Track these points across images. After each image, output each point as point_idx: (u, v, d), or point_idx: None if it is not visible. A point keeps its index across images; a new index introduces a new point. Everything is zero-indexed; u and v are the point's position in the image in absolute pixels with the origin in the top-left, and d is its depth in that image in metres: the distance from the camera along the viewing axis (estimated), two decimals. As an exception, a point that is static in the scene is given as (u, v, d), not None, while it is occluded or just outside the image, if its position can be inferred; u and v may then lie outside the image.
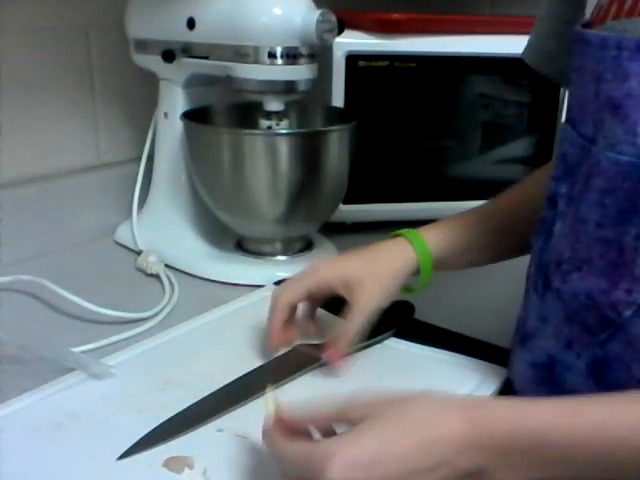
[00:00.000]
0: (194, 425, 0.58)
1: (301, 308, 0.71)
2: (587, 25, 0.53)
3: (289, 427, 0.48)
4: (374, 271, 0.67)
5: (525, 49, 0.71)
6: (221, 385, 0.64)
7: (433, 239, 0.69)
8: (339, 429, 0.48)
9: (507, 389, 0.65)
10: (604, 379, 0.51)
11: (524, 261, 0.75)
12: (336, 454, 0.42)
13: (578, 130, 0.52)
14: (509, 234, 0.71)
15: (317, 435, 0.49)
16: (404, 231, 0.71)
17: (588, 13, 0.56)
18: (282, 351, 0.69)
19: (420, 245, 0.68)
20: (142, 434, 0.57)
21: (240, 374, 0.66)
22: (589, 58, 0.50)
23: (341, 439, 0.44)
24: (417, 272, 0.69)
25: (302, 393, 0.64)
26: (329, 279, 0.67)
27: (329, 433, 0.48)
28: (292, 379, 0.66)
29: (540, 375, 0.57)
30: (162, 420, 0.58)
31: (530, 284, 0.60)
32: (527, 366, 0.58)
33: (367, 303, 0.66)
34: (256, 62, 0.81)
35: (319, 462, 0.42)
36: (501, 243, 0.72)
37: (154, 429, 0.57)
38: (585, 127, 0.51)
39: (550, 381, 0.55)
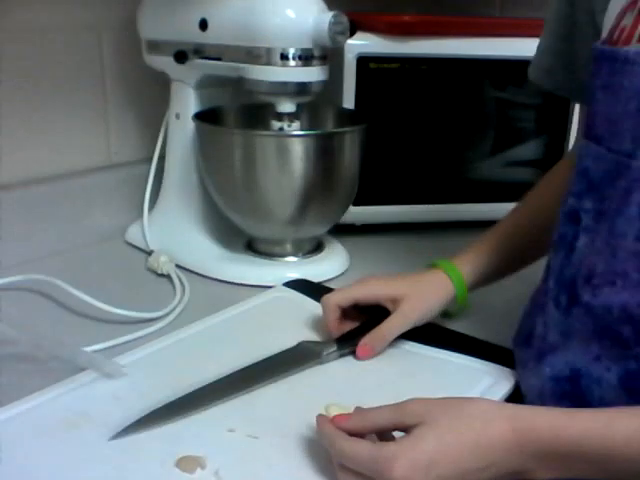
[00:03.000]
0: (195, 408, 0.60)
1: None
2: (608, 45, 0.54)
3: (347, 431, 0.52)
4: (420, 290, 0.74)
5: (529, 66, 0.75)
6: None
7: (466, 270, 0.75)
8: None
9: (519, 394, 0.65)
10: (638, 392, 0.51)
11: (534, 264, 0.75)
12: (399, 457, 0.47)
13: (607, 146, 0.53)
14: (525, 250, 0.77)
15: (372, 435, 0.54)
16: (441, 263, 0.76)
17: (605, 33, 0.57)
18: (287, 346, 0.71)
19: (457, 278, 0.75)
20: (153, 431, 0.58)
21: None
22: (630, 76, 0.50)
23: (403, 444, 0.49)
24: (454, 300, 0.75)
25: (304, 386, 0.66)
26: (378, 293, 0.74)
27: (385, 435, 0.53)
28: (294, 372, 0.67)
29: (562, 389, 0.57)
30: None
31: (549, 299, 0.60)
32: (546, 380, 0.58)
33: (410, 313, 0.72)
34: (268, 64, 0.81)
35: (384, 463, 0.48)
36: (519, 258, 0.78)
37: (154, 410, 0.59)
38: (619, 143, 0.52)
39: (574, 394, 0.56)
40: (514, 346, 0.68)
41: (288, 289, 0.86)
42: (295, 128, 0.88)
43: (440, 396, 0.53)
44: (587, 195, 0.56)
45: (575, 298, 0.56)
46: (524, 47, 1.03)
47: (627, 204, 0.51)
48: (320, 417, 0.54)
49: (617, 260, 0.52)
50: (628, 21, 0.53)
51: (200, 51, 0.88)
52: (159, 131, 1.00)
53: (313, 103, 0.90)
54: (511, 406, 0.52)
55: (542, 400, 0.59)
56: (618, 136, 0.52)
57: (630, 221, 0.51)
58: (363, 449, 0.50)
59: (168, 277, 0.90)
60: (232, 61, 0.84)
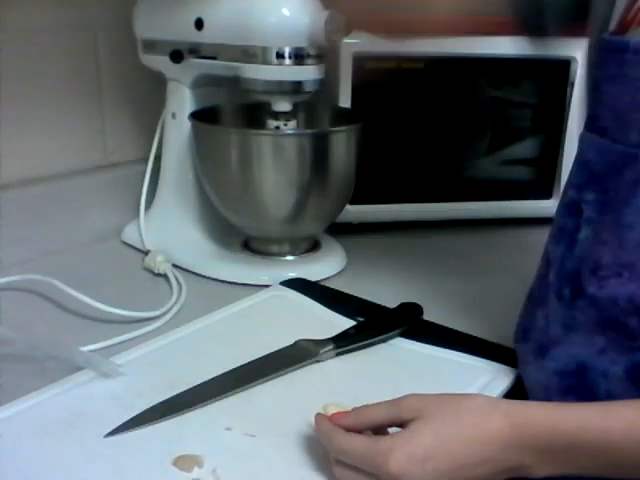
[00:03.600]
0: (192, 406, 0.60)
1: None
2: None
3: (345, 428, 0.52)
4: None
5: None
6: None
7: None
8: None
9: (516, 391, 0.65)
10: None
11: (531, 262, 0.75)
12: (395, 450, 0.48)
13: (613, 138, 0.53)
14: None
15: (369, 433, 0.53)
16: None
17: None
18: (284, 345, 0.71)
19: None
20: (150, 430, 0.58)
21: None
22: (637, 67, 0.50)
23: (399, 437, 0.50)
24: None
25: (301, 384, 0.66)
26: None
27: (381, 431, 0.53)
28: (291, 371, 0.67)
29: (567, 383, 0.57)
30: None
31: (551, 292, 0.59)
32: (551, 375, 0.58)
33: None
34: (264, 62, 0.81)
35: (380, 456, 0.48)
36: None
37: (151, 407, 0.60)
38: (626, 135, 0.52)
39: (580, 388, 0.55)
40: (515, 342, 0.68)
41: (285, 288, 0.86)
42: (291, 127, 0.88)
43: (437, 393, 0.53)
44: (588, 187, 0.55)
45: (579, 290, 0.55)
46: (521, 46, 1.04)
47: (635, 195, 0.51)
48: (318, 415, 0.54)
49: (624, 251, 0.52)
50: None
51: (196, 50, 0.87)
52: (155, 131, 1.00)
53: (309, 102, 0.90)
54: (506, 401, 0.52)
55: (547, 395, 0.58)
56: (625, 128, 0.52)
57: (638, 212, 0.51)
58: (360, 443, 0.50)
59: (165, 277, 0.90)
60: (228, 60, 0.84)
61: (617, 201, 0.53)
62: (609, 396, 0.53)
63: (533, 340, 0.62)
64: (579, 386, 0.56)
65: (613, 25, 0.57)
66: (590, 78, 0.58)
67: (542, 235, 0.66)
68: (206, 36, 0.85)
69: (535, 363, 0.61)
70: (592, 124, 0.56)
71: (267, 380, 0.65)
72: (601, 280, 0.53)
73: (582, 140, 0.58)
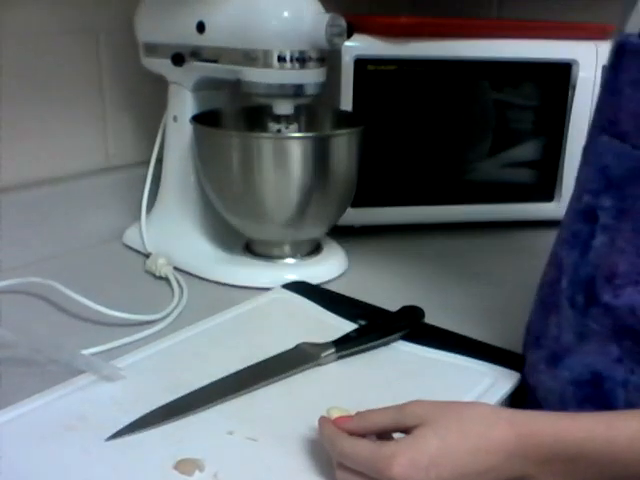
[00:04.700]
0: (194, 410, 0.60)
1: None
2: None
3: (348, 432, 0.52)
4: None
5: None
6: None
7: None
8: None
9: (518, 396, 0.65)
10: None
11: (533, 265, 0.75)
12: (399, 455, 0.47)
13: (633, 143, 0.52)
14: None
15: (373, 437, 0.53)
16: None
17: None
18: (286, 348, 0.71)
19: None
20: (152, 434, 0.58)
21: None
22: None
23: (403, 443, 0.49)
24: None
25: (303, 388, 0.66)
26: None
27: (385, 436, 0.53)
28: (293, 374, 0.67)
29: (583, 392, 0.56)
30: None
31: (563, 299, 0.58)
32: (566, 384, 0.57)
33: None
34: (266, 66, 0.81)
35: (383, 461, 0.48)
36: None
37: (153, 411, 0.60)
38: None
39: (597, 398, 0.55)
40: (524, 349, 0.67)
41: (287, 291, 0.85)
42: (293, 130, 0.88)
43: (440, 397, 0.53)
44: (606, 193, 0.54)
45: (593, 298, 0.55)
46: (521, 49, 1.04)
47: None
48: (322, 418, 0.54)
49: None
50: None
51: (197, 54, 0.87)
52: (157, 134, 1.00)
53: (311, 105, 0.90)
54: (510, 411, 0.51)
55: (563, 404, 0.58)
56: None
57: None
58: (363, 448, 0.50)
59: (166, 279, 0.90)
60: (229, 63, 0.84)
61: (635, 208, 0.52)
62: (629, 406, 0.52)
63: (545, 347, 0.61)
64: (596, 396, 0.55)
65: (629, 27, 0.55)
66: (610, 81, 0.56)
67: (544, 238, 0.66)
68: (208, 39, 0.86)
69: (548, 371, 0.60)
70: (612, 129, 0.54)
71: (269, 384, 0.65)
72: (617, 288, 0.52)
73: (600, 144, 0.56)
